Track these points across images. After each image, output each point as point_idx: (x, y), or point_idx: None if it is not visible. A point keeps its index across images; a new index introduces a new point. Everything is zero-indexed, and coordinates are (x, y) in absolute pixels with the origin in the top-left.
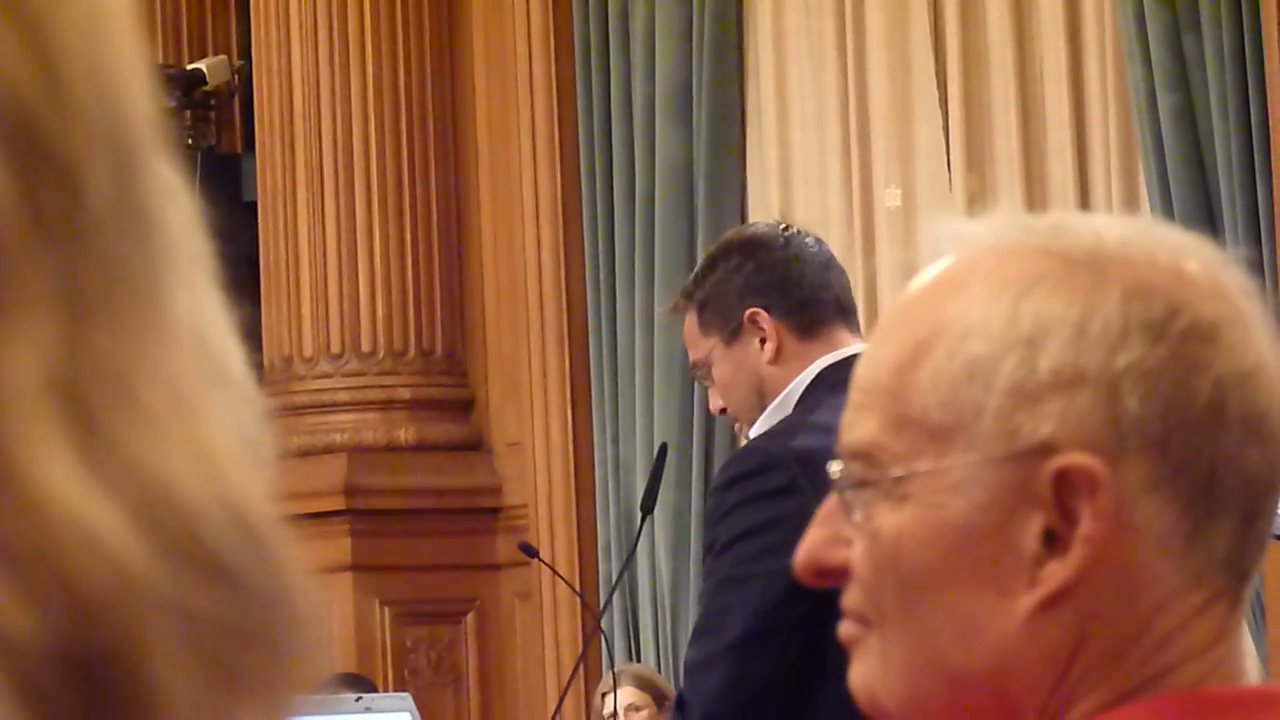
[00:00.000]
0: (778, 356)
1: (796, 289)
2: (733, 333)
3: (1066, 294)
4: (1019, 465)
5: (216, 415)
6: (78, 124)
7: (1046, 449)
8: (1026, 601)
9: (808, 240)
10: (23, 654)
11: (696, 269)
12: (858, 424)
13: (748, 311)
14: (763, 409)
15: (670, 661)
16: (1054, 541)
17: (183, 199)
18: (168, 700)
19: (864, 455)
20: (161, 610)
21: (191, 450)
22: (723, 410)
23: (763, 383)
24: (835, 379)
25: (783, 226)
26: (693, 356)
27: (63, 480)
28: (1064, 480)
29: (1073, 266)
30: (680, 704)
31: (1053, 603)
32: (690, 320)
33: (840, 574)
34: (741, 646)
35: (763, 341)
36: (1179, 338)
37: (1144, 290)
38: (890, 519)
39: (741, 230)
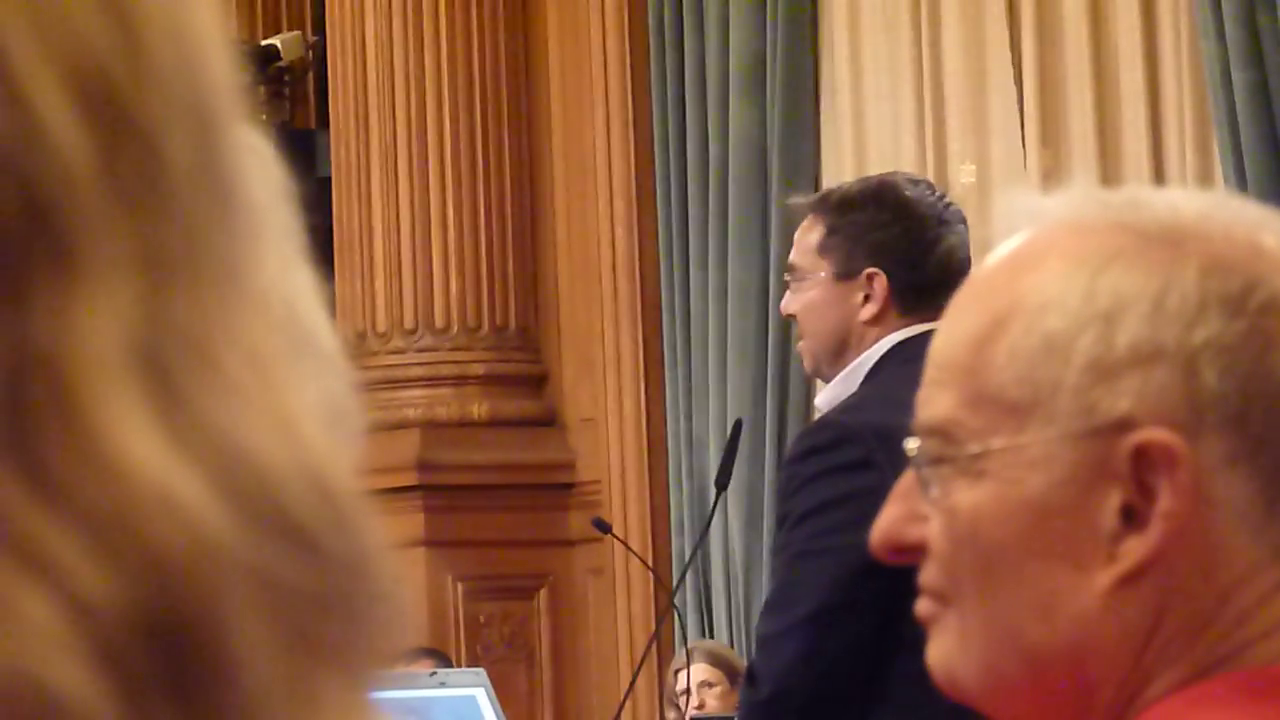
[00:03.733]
0: (875, 320)
1: (925, 272)
2: (845, 275)
3: (1144, 269)
4: (1097, 441)
5: (300, 384)
6: (157, 89)
7: (1125, 425)
8: (1105, 578)
9: (960, 225)
10: (103, 619)
11: (846, 191)
12: (934, 400)
13: (870, 269)
14: (838, 359)
15: (743, 638)
16: (1132, 517)
17: (270, 169)
18: (248, 666)
19: (941, 431)
20: (242, 577)
21: (273, 418)
22: (790, 316)
23: (849, 334)
24: (906, 354)
25: (945, 200)
26: (793, 257)
27: (143, 446)
28: (1142, 456)
29: (1149, 241)
30: (751, 677)
31: (1132, 579)
32: (813, 230)
33: (917, 551)
34: (814, 621)
35: (866, 298)
36: (1256, 312)
37: (1221, 265)
38: (968, 495)
39: (904, 185)
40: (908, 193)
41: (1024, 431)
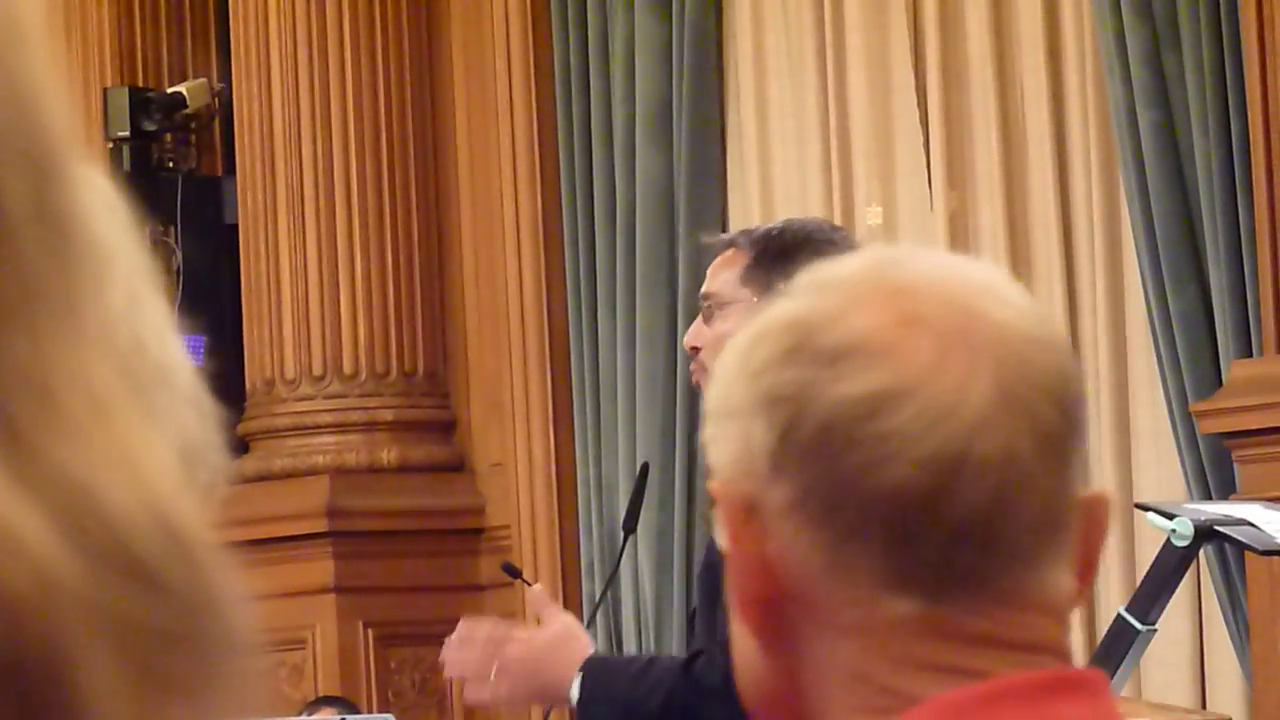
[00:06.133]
0: None
1: None
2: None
3: (756, 325)
4: (717, 492)
5: (145, 421)
6: None
7: (716, 476)
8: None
9: None
10: None
11: (770, 227)
12: None
13: None
14: None
15: None
16: None
17: (117, 209)
18: (95, 703)
19: None
20: (87, 615)
21: (116, 456)
22: (695, 350)
23: None
24: None
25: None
26: (711, 287)
27: None
28: (725, 506)
29: (784, 299)
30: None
31: (754, 623)
32: (736, 261)
33: None
34: None
35: None
36: (805, 363)
37: (801, 319)
38: None
39: (835, 230)
40: (839, 236)
41: None
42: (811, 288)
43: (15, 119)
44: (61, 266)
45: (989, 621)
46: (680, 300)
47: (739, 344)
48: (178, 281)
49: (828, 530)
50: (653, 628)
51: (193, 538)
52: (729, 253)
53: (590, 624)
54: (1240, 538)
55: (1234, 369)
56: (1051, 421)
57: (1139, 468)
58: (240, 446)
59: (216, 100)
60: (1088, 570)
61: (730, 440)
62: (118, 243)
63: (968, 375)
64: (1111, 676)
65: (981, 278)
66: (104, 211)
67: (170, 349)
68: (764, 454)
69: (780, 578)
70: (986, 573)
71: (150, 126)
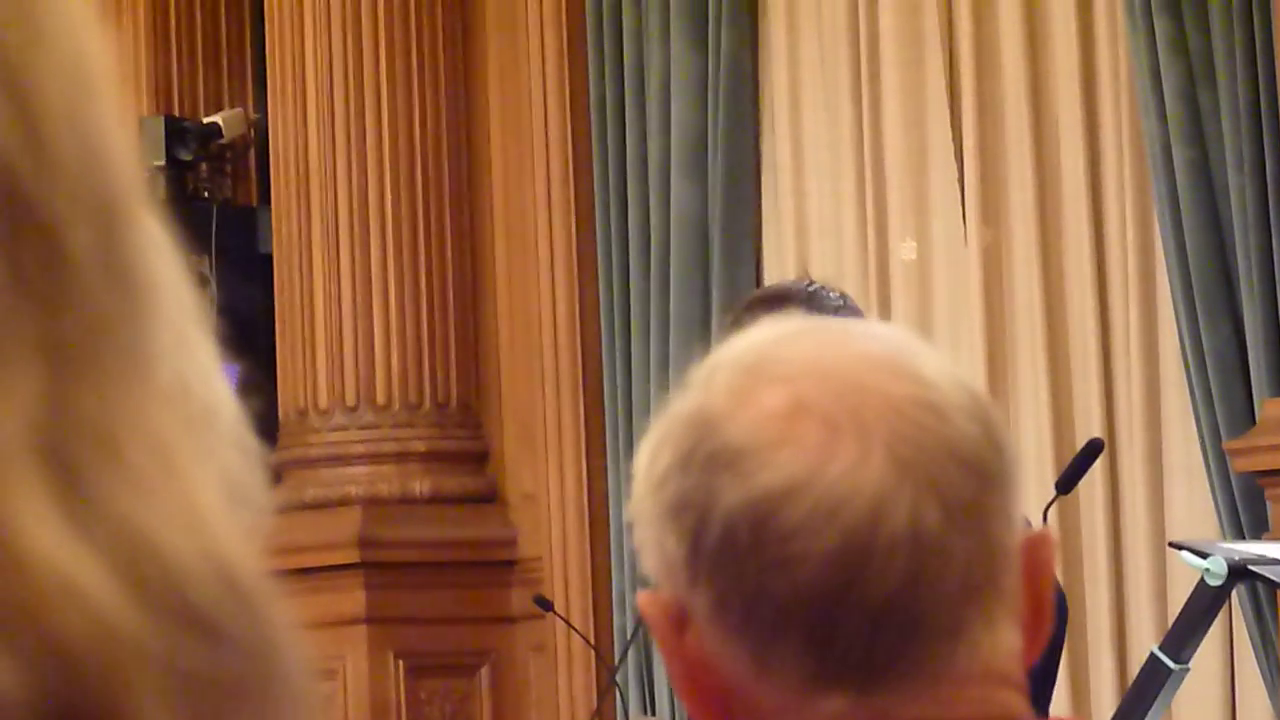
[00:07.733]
0: None
1: None
2: None
3: (658, 426)
4: (643, 603)
5: (203, 468)
6: (59, 181)
7: (649, 583)
8: None
9: (830, 295)
10: (8, 710)
11: (739, 301)
12: None
13: None
14: None
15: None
16: None
17: (170, 252)
18: None
19: None
20: (147, 666)
21: (177, 506)
22: None
23: None
24: None
25: (808, 282)
26: None
27: (47, 537)
28: (654, 616)
29: (682, 392)
30: None
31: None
32: None
33: None
34: None
35: None
36: (699, 468)
37: (694, 419)
38: None
39: (770, 287)
40: (772, 290)
41: None
42: (703, 380)
43: (86, 171)
44: (127, 316)
45: (924, 705)
46: (714, 333)
47: (645, 448)
48: (211, 311)
49: (750, 636)
50: None
51: (251, 586)
52: None
53: (622, 658)
54: (1274, 577)
55: (1267, 407)
56: (958, 484)
57: (1171, 505)
58: (273, 476)
59: (252, 130)
60: (1038, 616)
61: (650, 549)
62: (172, 284)
63: (860, 457)
64: (1144, 715)
65: (875, 349)
66: (160, 255)
67: (217, 388)
68: (679, 564)
69: (718, 688)
70: (913, 655)
71: (185, 156)
